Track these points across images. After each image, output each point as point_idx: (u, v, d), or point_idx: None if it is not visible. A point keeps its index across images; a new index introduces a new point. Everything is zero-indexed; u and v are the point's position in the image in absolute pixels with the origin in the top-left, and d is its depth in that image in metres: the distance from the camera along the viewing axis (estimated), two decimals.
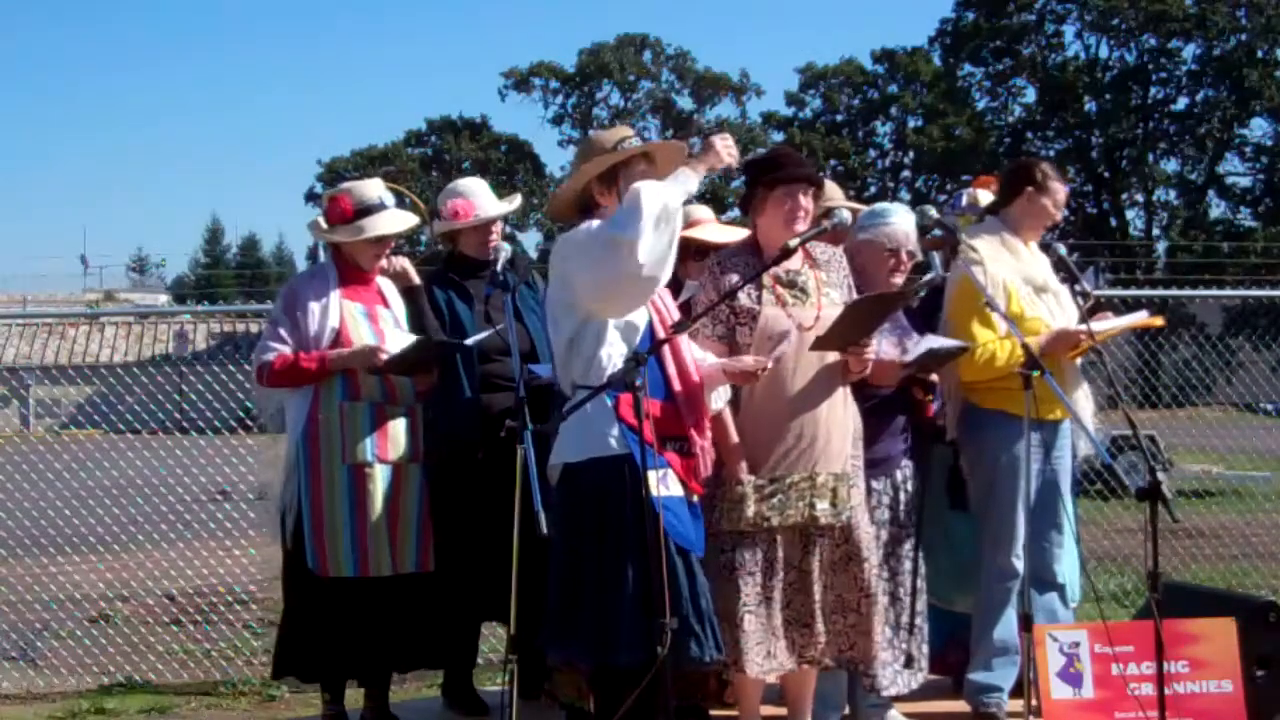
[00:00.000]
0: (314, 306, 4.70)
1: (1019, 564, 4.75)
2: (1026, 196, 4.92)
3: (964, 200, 5.51)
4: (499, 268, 4.64)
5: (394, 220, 4.83)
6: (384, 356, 4.62)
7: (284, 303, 4.76)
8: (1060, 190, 4.94)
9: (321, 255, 5.54)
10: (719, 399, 4.16)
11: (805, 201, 4.27)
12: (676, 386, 4.00)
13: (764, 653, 4.18)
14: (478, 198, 5.11)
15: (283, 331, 4.69)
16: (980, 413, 4.88)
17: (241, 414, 9.07)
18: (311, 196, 48.54)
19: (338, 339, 4.68)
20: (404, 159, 45.83)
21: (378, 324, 4.78)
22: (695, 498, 4.02)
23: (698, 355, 4.13)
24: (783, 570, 4.21)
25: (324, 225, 4.84)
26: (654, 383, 3.94)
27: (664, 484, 3.87)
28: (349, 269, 4.82)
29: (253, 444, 9.20)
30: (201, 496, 10.25)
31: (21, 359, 30.74)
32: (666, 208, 3.78)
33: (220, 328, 34.66)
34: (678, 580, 3.83)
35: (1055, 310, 4.84)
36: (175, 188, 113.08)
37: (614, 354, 3.88)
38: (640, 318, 3.96)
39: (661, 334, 3.99)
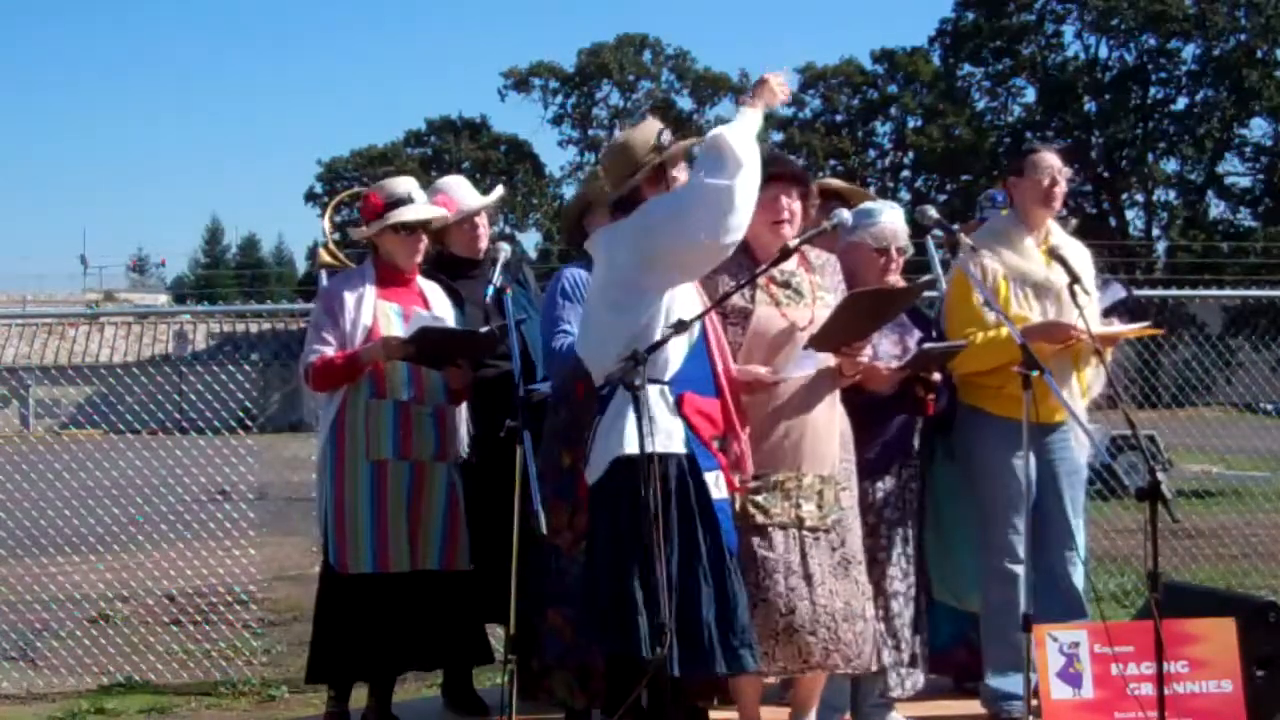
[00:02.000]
0: (350, 305, 4.73)
1: (1014, 567, 4.73)
2: (1013, 187, 4.90)
3: (1001, 198, 5.51)
4: (498, 267, 4.63)
5: (418, 210, 4.83)
6: (398, 341, 4.62)
7: (323, 303, 4.80)
8: (1039, 159, 4.83)
9: (320, 255, 5.53)
10: None
11: (789, 202, 4.25)
12: (723, 383, 4.01)
13: (759, 653, 4.12)
14: (457, 192, 5.11)
15: (324, 333, 4.72)
16: (963, 409, 4.88)
17: (241, 414, 9.08)
18: (311, 196, 48.58)
19: (369, 338, 4.70)
20: (404, 159, 45.82)
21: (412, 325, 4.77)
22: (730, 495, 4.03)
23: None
24: (782, 574, 4.16)
25: (365, 229, 4.87)
26: (705, 379, 3.95)
27: (716, 487, 3.87)
28: (387, 269, 4.84)
29: (253, 444, 9.21)
30: (201, 497, 10.25)
31: (21, 359, 30.77)
32: (752, 146, 3.77)
33: (220, 328, 34.69)
34: (734, 586, 3.83)
35: (1054, 310, 4.76)
36: (175, 188, 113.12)
37: (676, 345, 3.82)
38: (695, 311, 3.89)
39: (711, 329, 3.98)
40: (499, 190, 5.43)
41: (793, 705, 4.46)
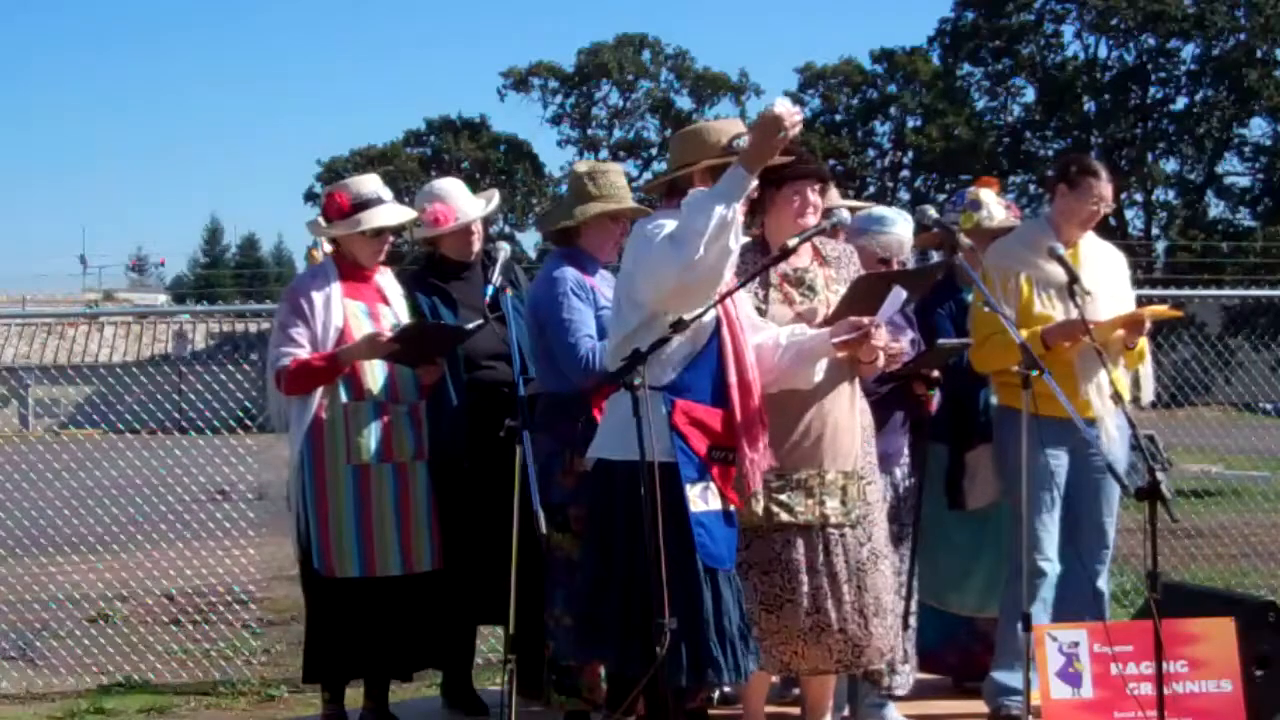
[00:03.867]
0: (319, 306, 4.68)
1: (1046, 565, 4.76)
2: (1060, 194, 4.91)
3: (965, 199, 5.53)
4: (499, 267, 4.62)
5: (391, 213, 4.81)
6: (385, 338, 4.60)
7: (290, 304, 4.72)
8: (1096, 184, 4.85)
9: (313, 256, 5.51)
10: (820, 370, 4.07)
11: (814, 197, 4.21)
12: (735, 395, 3.85)
13: (786, 654, 4.13)
14: (456, 200, 5.05)
15: (294, 334, 4.64)
16: (1000, 409, 4.90)
17: (241, 414, 9.07)
18: (311, 196, 48.50)
19: (341, 338, 4.66)
20: (403, 159, 45.80)
21: (379, 323, 4.76)
22: (732, 508, 3.92)
23: (795, 330, 4.03)
24: (805, 574, 4.13)
25: (322, 223, 4.83)
26: (706, 387, 3.83)
27: (703, 498, 3.77)
28: (348, 267, 4.80)
29: (252, 444, 9.20)
30: (201, 496, 10.25)
31: (21, 359, 30.74)
32: (721, 222, 3.60)
33: (219, 328, 34.66)
34: (703, 602, 3.75)
35: (1078, 312, 4.66)
36: (175, 188, 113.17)
37: (678, 351, 3.77)
38: (707, 319, 3.78)
39: (728, 337, 3.86)
40: (496, 199, 5.34)
41: (805, 711, 4.44)
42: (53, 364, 30.26)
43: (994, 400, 5.05)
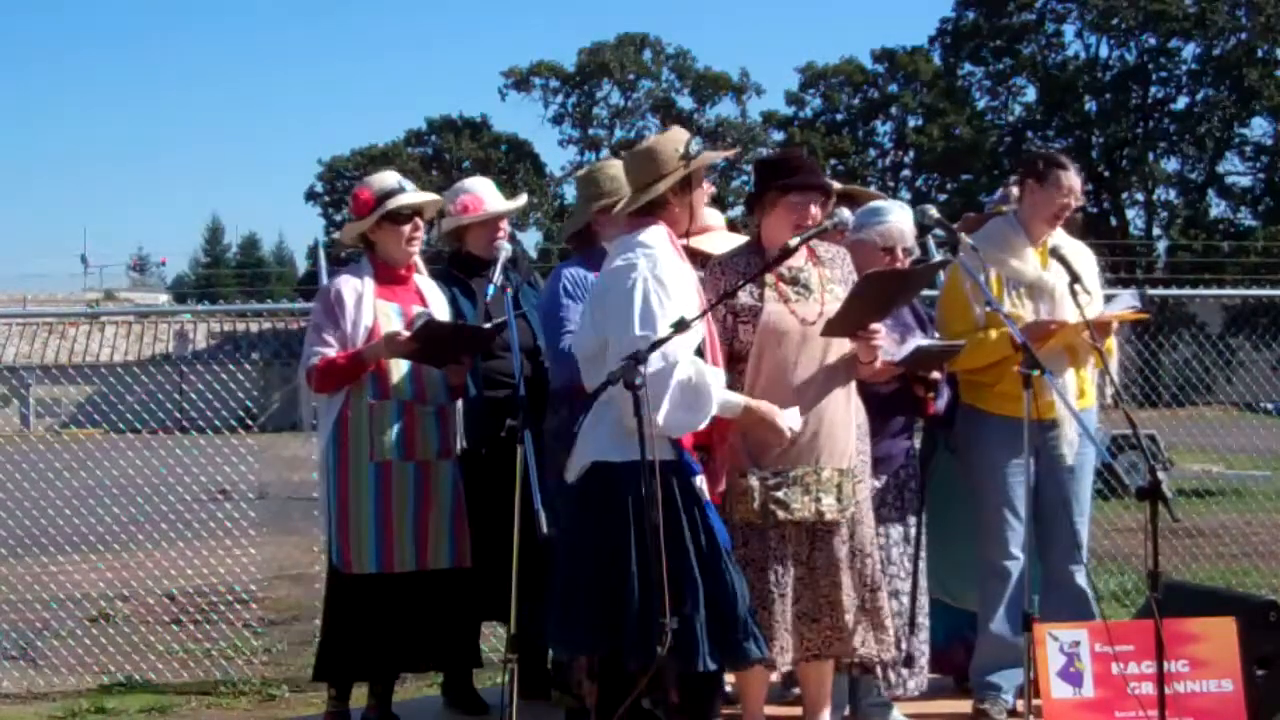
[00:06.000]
0: (350, 305, 4.72)
1: (1009, 564, 4.77)
2: (1029, 190, 4.89)
3: (998, 194, 5.54)
4: (499, 267, 4.65)
5: (414, 195, 4.85)
6: (403, 337, 4.62)
7: (322, 305, 4.78)
8: (1064, 178, 4.83)
9: (322, 254, 5.55)
10: (812, 368, 4.20)
11: (816, 211, 4.21)
12: None
13: (776, 648, 4.15)
14: (485, 194, 5.15)
15: (325, 334, 4.71)
16: (962, 407, 4.92)
17: (242, 414, 9.07)
18: (312, 195, 48.60)
19: (370, 338, 4.69)
20: (404, 158, 45.79)
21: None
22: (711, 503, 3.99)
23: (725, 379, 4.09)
24: (792, 566, 4.19)
25: (352, 219, 4.88)
26: None
27: (703, 488, 3.90)
28: (384, 268, 4.84)
29: (253, 444, 9.21)
30: (201, 496, 10.25)
31: (21, 359, 30.77)
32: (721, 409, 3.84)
33: (220, 327, 34.69)
34: (733, 581, 3.83)
35: (1047, 310, 4.77)
36: (175, 188, 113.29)
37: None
38: (696, 332, 3.82)
39: (708, 341, 3.93)
40: (523, 198, 5.50)
41: (804, 708, 4.45)
42: (54, 364, 30.28)
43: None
